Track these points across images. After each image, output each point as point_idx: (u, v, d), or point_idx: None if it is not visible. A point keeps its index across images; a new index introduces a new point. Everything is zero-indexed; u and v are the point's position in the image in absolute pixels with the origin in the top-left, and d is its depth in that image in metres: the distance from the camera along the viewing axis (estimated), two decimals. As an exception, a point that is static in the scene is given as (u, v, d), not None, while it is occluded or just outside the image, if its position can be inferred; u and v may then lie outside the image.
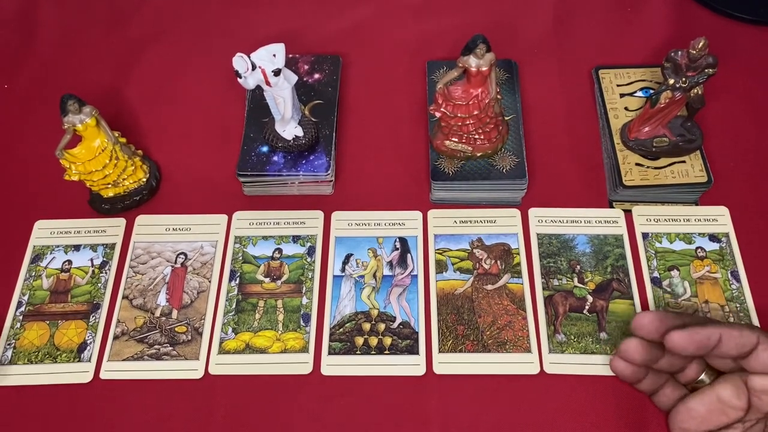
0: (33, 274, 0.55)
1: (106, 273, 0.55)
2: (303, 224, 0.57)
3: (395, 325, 0.51)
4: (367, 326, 0.51)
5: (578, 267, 0.53)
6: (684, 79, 0.51)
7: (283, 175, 0.56)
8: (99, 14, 0.73)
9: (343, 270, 0.54)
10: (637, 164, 0.55)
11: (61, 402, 0.49)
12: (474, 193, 0.56)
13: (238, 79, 0.51)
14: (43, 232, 0.57)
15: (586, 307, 0.52)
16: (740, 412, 0.41)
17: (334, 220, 0.57)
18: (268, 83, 0.52)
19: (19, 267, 0.55)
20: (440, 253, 0.55)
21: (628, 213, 0.56)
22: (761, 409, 0.40)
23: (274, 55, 0.51)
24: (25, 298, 0.54)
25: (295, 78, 0.54)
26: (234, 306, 0.53)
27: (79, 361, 0.51)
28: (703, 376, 0.44)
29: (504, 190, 0.56)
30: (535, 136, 0.60)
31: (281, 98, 0.54)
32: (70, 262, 0.55)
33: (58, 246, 0.56)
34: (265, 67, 0.51)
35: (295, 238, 0.56)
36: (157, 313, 0.53)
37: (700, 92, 0.52)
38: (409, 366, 0.50)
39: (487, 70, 0.50)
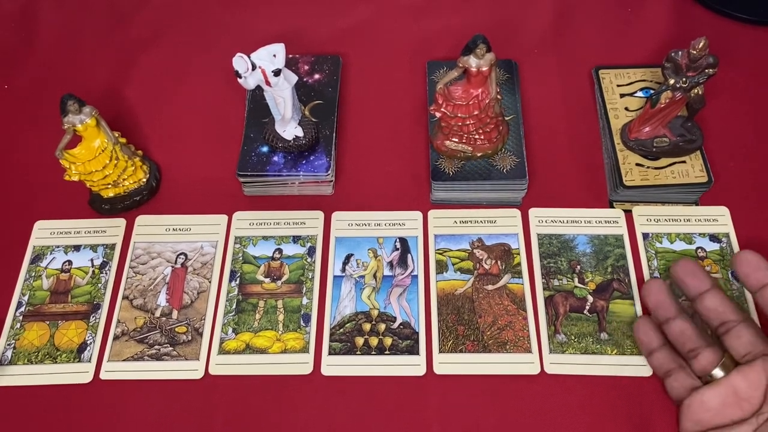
0: (33, 274, 0.55)
1: (106, 273, 0.55)
2: (303, 224, 0.57)
3: (395, 325, 0.51)
4: (367, 326, 0.51)
5: (578, 267, 0.53)
6: (684, 79, 0.51)
7: (284, 176, 0.56)
8: (99, 14, 0.73)
9: (343, 270, 0.54)
10: (638, 164, 0.55)
11: (61, 402, 0.49)
12: (474, 194, 0.56)
13: (238, 80, 0.51)
14: (43, 232, 0.57)
15: (587, 308, 0.52)
16: (755, 406, 0.41)
17: (335, 221, 0.57)
18: (268, 83, 0.52)
19: (19, 267, 0.55)
20: (440, 254, 0.55)
21: (628, 213, 0.56)
22: None
23: (274, 56, 0.51)
24: (25, 298, 0.54)
25: (295, 78, 0.54)
26: (234, 306, 0.53)
27: (79, 361, 0.51)
28: (717, 370, 0.43)
29: (504, 190, 0.56)
30: (536, 136, 0.60)
31: (281, 98, 0.54)
32: (70, 262, 0.55)
33: (58, 246, 0.56)
34: (265, 67, 0.51)
35: (296, 239, 0.56)
36: (158, 314, 0.53)
37: (700, 92, 0.52)
38: (410, 366, 0.50)
39: (487, 70, 0.50)
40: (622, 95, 0.60)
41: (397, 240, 0.55)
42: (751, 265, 0.43)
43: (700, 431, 0.42)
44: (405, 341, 0.51)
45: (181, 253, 0.55)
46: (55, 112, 0.53)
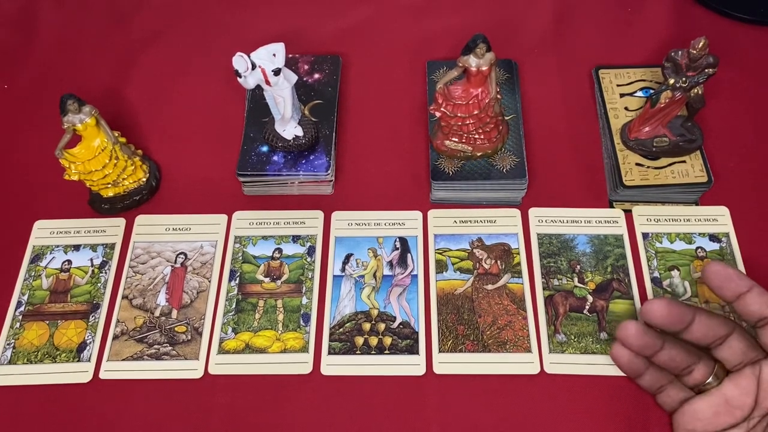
0: (32, 274, 0.55)
1: (105, 273, 0.55)
2: (303, 224, 0.57)
3: (395, 324, 0.51)
4: (367, 326, 0.51)
5: (578, 267, 0.53)
6: (684, 78, 0.51)
7: (283, 175, 0.56)
8: (99, 15, 0.73)
9: (343, 270, 0.54)
10: (638, 164, 0.55)
11: (60, 402, 0.49)
12: (474, 193, 0.56)
13: (238, 79, 0.51)
14: (43, 231, 0.57)
15: (587, 307, 0.52)
16: (746, 411, 0.41)
17: (334, 220, 0.57)
18: (268, 83, 0.52)
19: (18, 267, 0.55)
20: (440, 253, 0.54)
21: (628, 213, 0.56)
22: (765, 406, 0.40)
23: (274, 55, 0.51)
24: (25, 297, 0.54)
25: (294, 78, 0.54)
26: (234, 306, 0.53)
27: (78, 360, 0.50)
28: (710, 379, 0.43)
29: (504, 189, 0.56)
30: (535, 136, 0.60)
31: (281, 98, 0.54)
32: (69, 261, 0.55)
33: (57, 246, 0.56)
34: (265, 67, 0.51)
35: (295, 238, 0.56)
36: (157, 313, 0.53)
37: (700, 92, 0.52)
38: (409, 366, 0.50)
39: (487, 70, 0.50)
40: (621, 95, 0.60)
41: (397, 240, 0.55)
42: (720, 276, 0.41)
43: None
44: (405, 341, 0.51)
45: (180, 253, 0.55)
46: (55, 111, 0.53)
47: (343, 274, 0.54)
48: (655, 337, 0.42)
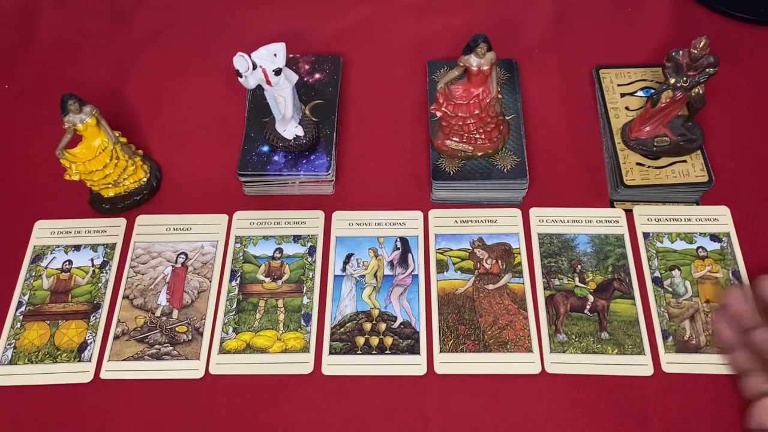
0: (33, 274, 0.55)
1: (106, 273, 0.55)
2: (304, 224, 0.56)
3: (396, 324, 0.51)
4: (368, 326, 0.51)
5: (579, 267, 0.53)
6: (685, 78, 0.51)
7: (284, 175, 0.56)
8: (99, 14, 0.73)
9: (343, 270, 0.54)
10: (638, 164, 0.55)
11: (61, 402, 0.49)
12: (475, 193, 0.56)
13: (239, 79, 0.51)
14: (44, 232, 0.57)
15: (587, 307, 0.52)
16: None
17: (335, 220, 0.57)
18: (268, 83, 0.52)
19: (19, 267, 0.55)
20: (441, 253, 0.54)
21: (629, 212, 0.56)
22: None
23: (275, 55, 0.51)
24: (26, 298, 0.54)
25: (295, 77, 0.54)
26: (234, 306, 0.53)
27: (79, 361, 0.50)
28: None
29: (505, 189, 0.56)
30: (536, 135, 0.60)
31: (282, 98, 0.54)
32: (70, 262, 0.55)
33: (58, 246, 0.56)
34: (265, 67, 0.51)
35: (296, 238, 0.56)
36: (158, 313, 0.53)
37: (700, 92, 0.52)
38: (410, 366, 0.50)
39: (487, 70, 0.50)
40: (622, 95, 0.60)
41: (398, 239, 0.55)
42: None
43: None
44: (406, 341, 0.51)
45: (181, 253, 0.55)
46: (55, 111, 0.52)
47: (344, 273, 0.54)
48: (754, 310, 0.43)
